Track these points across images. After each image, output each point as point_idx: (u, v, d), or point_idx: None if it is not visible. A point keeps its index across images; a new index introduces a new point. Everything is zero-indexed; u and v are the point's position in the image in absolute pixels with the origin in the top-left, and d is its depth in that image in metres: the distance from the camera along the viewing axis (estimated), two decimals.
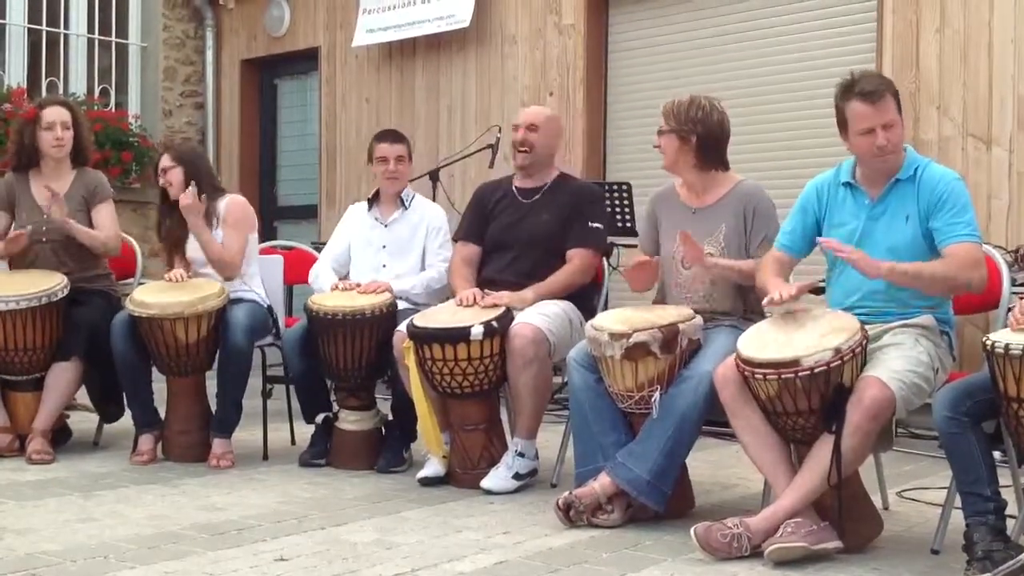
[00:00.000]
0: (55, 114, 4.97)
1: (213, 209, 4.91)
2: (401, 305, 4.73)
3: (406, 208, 5.00)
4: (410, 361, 4.31)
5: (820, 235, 3.69)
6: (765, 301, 3.54)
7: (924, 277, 3.44)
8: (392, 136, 5.06)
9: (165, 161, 4.94)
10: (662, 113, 4.03)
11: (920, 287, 3.48)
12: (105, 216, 5.06)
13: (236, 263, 4.88)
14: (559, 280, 4.46)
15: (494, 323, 4.24)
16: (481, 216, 4.72)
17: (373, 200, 5.07)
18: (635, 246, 4.50)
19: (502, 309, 4.33)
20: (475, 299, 4.39)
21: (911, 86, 5.83)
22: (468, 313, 4.33)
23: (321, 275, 4.98)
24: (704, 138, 3.96)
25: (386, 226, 4.99)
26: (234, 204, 4.98)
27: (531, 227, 4.56)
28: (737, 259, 3.94)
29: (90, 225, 5.01)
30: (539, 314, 4.31)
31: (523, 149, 4.58)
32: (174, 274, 4.81)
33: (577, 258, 4.50)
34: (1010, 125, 5.63)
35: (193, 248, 4.92)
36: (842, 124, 3.57)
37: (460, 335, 4.20)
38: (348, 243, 5.05)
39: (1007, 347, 3.02)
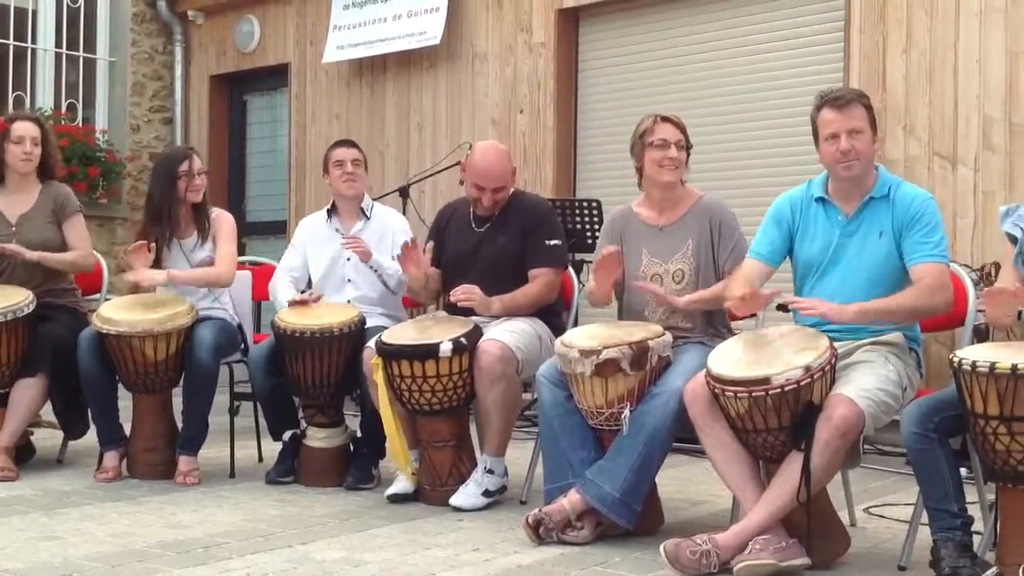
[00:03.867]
0: (25, 128, 4.94)
1: (206, 223, 4.91)
2: (371, 322, 4.72)
3: (368, 219, 4.99)
4: (379, 378, 4.29)
5: (792, 248, 3.72)
6: (730, 301, 3.54)
7: (892, 311, 3.46)
8: (348, 142, 5.12)
9: (200, 165, 4.91)
10: (680, 127, 4.02)
11: (890, 321, 3.51)
12: (77, 232, 5.02)
13: (231, 272, 4.91)
14: (526, 294, 4.44)
15: (463, 339, 4.23)
16: (437, 240, 4.69)
17: (332, 212, 5.05)
18: None
19: (471, 326, 4.32)
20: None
21: (878, 106, 5.82)
22: (437, 330, 4.32)
23: (280, 291, 4.96)
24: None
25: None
26: (225, 217, 5.01)
27: (488, 251, 4.52)
28: (706, 274, 3.97)
29: (62, 238, 4.97)
30: (507, 331, 4.31)
31: (491, 206, 4.52)
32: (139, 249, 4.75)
33: (541, 277, 4.48)
34: (975, 145, 5.69)
35: (173, 260, 4.87)
36: (815, 135, 3.62)
37: (429, 352, 4.19)
38: (304, 257, 5.02)
39: (974, 364, 3.04)
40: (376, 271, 4.84)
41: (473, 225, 4.60)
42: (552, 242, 4.51)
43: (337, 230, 5.00)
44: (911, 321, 3.59)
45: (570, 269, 4.72)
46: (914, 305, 3.46)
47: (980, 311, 3.78)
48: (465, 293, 4.32)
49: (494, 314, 4.38)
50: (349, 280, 4.93)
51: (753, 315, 4.13)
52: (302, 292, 4.95)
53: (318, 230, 5.04)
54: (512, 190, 4.62)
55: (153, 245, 4.79)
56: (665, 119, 4.02)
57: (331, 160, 5.00)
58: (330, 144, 5.20)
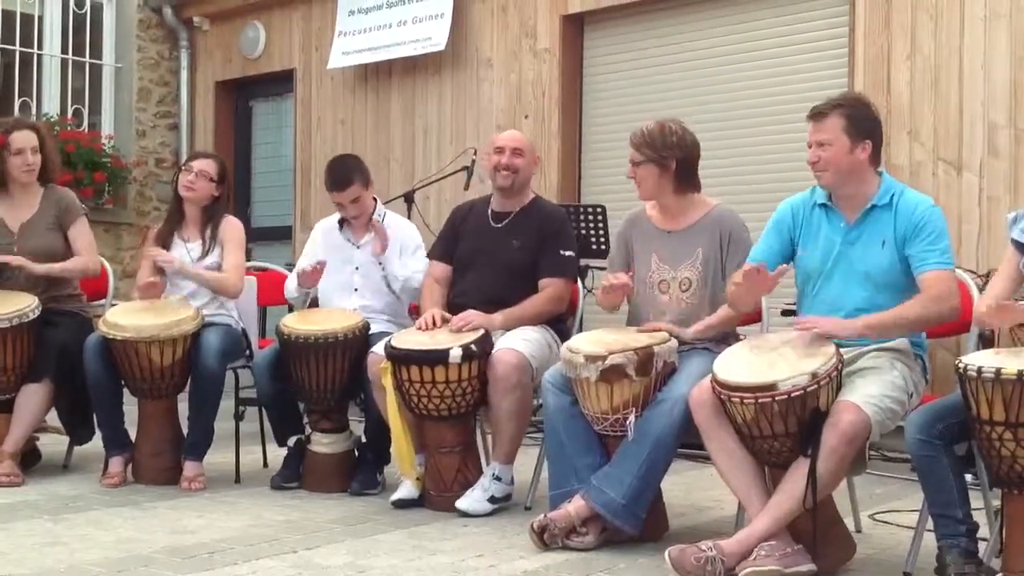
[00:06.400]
0: (24, 139, 4.93)
1: (212, 231, 4.92)
2: (375, 328, 4.72)
3: None
4: (387, 382, 4.29)
5: (795, 254, 3.72)
6: (730, 286, 3.55)
7: (900, 323, 3.46)
8: (337, 184, 4.84)
9: (210, 169, 4.92)
10: (633, 144, 4.00)
11: (898, 333, 3.51)
12: (82, 237, 5.03)
13: (238, 282, 4.91)
14: (531, 307, 4.45)
15: (473, 347, 4.23)
16: (453, 236, 4.72)
17: (344, 222, 5.04)
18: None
19: (481, 332, 4.32)
20: (434, 322, 4.38)
21: (882, 111, 5.85)
22: (447, 336, 4.32)
23: (291, 286, 5.00)
24: (683, 162, 3.98)
25: (358, 247, 4.96)
26: (234, 223, 5.00)
27: (501, 253, 4.54)
28: (715, 284, 3.97)
29: (65, 244, 4.98)
30: (521, 339, 4.31)
31: (508, 171, 4.55)
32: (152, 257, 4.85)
33: (551, 288, 4.48)
34: (980, 150, 5.69)
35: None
36: None
37: (438, 357, 4.19)
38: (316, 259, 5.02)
39: (979, 370, 3.04)
40: (383, 268, 4.84)
41: (491, 222, 4.60)
42: (566, 253, 4.52)
43: (348, 240, 4.99)
44: (919, 330, 3.59)
45: None
46: (920, 316, 3.45)
47: None
48: (461, 320, 4.34)
49: (497, 328, 4.38)
50: (356, 289, 4.93)
51: (759, 320, 4.14)
52: (310, 296, 4.98)
53: (330, 237, 5.02)
54: (534, 195, 4.67)
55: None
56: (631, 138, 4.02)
57: (332, 200, 4.96)
58: (325, 180, 4.95)
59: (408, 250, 4.91)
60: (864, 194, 3.60)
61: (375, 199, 5.02)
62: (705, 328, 3.88)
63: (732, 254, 3.96)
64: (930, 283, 3.46)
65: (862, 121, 3.58)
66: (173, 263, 4.79)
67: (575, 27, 7.44)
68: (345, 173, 4.86)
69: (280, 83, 9.14)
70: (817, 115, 3.58)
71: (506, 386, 4.19)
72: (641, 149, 3.98)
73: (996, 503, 3.37)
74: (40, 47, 8.93)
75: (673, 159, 3.96)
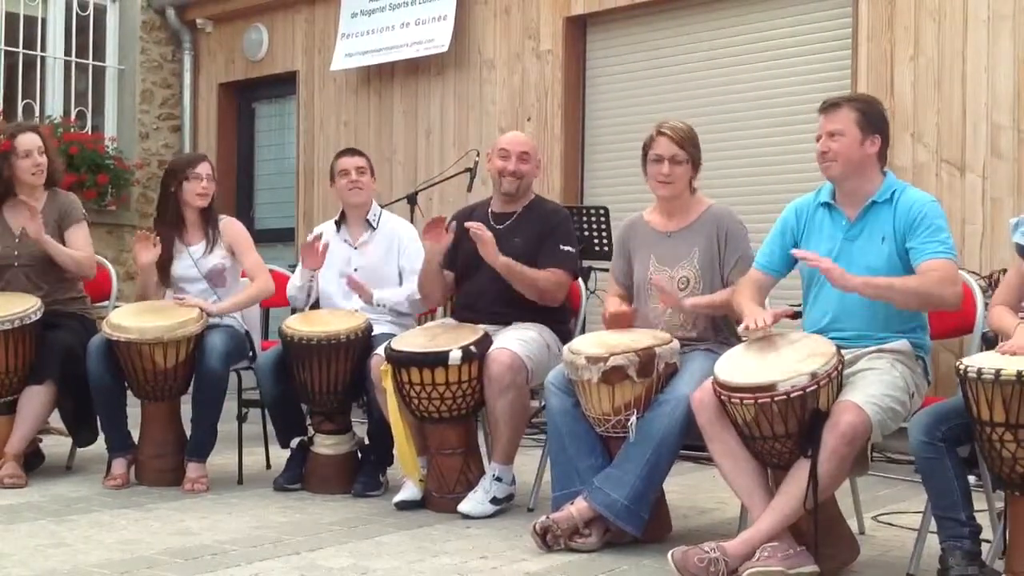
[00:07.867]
0: (30, 141, 4.94)
1: (214, 230, 4.94)
2: (378, 329, 4.73)
3: (375, 228, 4.99)
4: (388, 385, 4.30)
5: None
6: (740, 328, 3.56)
7: (897, 290, 3.44)
8: (350, 151, 5.14)
9: (211, 170, 4.95)
10: (675, 141, 3.97)
11: (893, 300, 3.47)
12: (79, 238, 5.03)
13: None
14: (536, 273, 4.42)
15: (472, 348, 4.23)
16: (453, 243, 4.70)
17: (341, 221, 5.06)
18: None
19: (481, 333, 4.33)
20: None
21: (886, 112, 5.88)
22: (446, 337, 4.32)
23: (294, 284, 5.03)
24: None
25: (356, 248, 4.97)
26: (235, 225, 5.02)
27: (503, 251, 4.53)
28: (712, 282, 3.98)
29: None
30: (517, 340, 4.31)
31: (514, 176, 4.56)
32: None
33: (552, 275, 4.49)
34: (983, 152, 5.68)
35: (182, 266, 4.91)
36: None
37: (438, 359, 4.20)
38: None
39: (980, 372, 3.04)
40: (384, 308, 4.86)
41: (492, 223, 4.60)
42: (566, 248, 4.52)
43: (346, 240, 5.00)
44: (916, 308, 3.54)
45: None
46: (919, 290, 3.42)
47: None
48: (481, 229, 4.33)
49: (498, 267, 4.36)
50: None
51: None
52: (310, 301, 4.99)
53: (328, 240, 5.03)
54: (534, 195, 4.67)
55: (158, 239, 4.85)
56: (662, 132, 4.01)
57: (336, 170, 5.02)
58: (336, 153, 5.20)
59: (406, 253, 4.92)
60: (867, 191, 3.60)
61: (372, 201, 5.06)
62: (707, 303, 3.88)
63: (729, 251, 3.98)
64: (931, 267, 3.44)
65: (873, 116, 3.60)
66: (213, 311, 4.78)
67: (577, 29, 7.45)
68: (358, 149, 5.20)
69: (283, 85, 9.16)
70: (830, 107, 3.60)
71: (500, 386, 4.19)
72: (684, 146, 3.99)
73: (999, 505, 3.37)
74: (43, 49, 8.96)
75: (699, 159, 4.05)
